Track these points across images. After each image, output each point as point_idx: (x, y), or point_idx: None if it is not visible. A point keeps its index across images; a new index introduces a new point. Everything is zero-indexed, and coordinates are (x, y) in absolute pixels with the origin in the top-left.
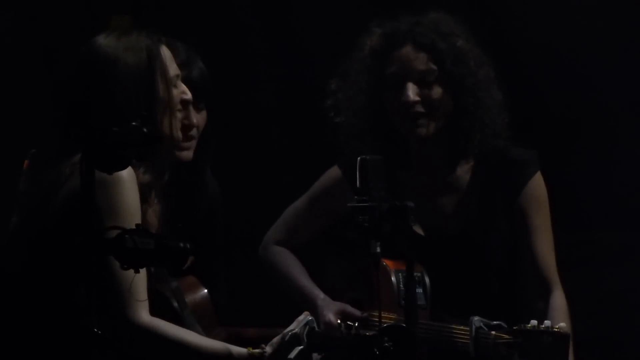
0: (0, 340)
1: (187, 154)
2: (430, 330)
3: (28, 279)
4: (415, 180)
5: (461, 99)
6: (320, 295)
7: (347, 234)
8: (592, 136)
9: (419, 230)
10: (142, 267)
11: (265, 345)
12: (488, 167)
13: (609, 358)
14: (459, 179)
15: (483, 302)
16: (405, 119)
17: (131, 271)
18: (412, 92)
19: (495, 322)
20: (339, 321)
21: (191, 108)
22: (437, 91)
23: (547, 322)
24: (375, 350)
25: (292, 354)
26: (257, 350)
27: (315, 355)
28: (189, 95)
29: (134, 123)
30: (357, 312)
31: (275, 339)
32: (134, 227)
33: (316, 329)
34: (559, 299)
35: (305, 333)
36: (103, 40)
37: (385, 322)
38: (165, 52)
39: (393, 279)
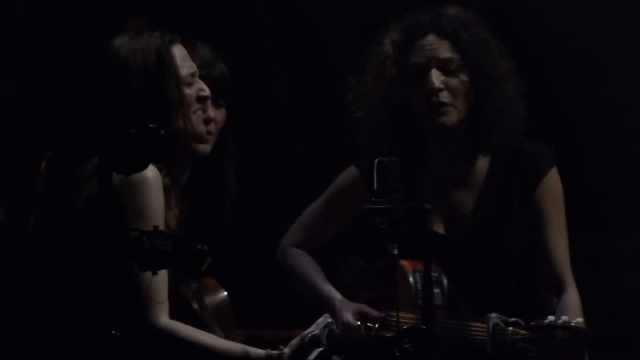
0: (20, 340)
1: (204, 147)
2: (448, 328)
3: (47, 280)
4: (433, 177)
5: (484, 89)
6: (337, 297)
7: (364, 235)
8: (608, 139)
9: (439, 228)
10: (159, 269)
11: (284, 347)
12: (505, 162)
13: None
14: (477, 174)
15: (502, 298)
16: (428, 108)
17: (152, 278)
18: (436, 79)
19: (512, 319)
20: (358, 322)
21: (209, 103)
22: (460, 80)
23: (564, 318)
24: (395, 351)
25: (312, 356)
26: (275, 352)
27: (334, 357)
28: (207, 92)
29: (151, 125)
30: (374, 313)
31: (294, 341)
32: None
33: (336, 331)
34: (572, 296)
35: (325, 335)
36: (115, 43)
37: (402, 322)
38: (178, 51)
39: (410, 279)
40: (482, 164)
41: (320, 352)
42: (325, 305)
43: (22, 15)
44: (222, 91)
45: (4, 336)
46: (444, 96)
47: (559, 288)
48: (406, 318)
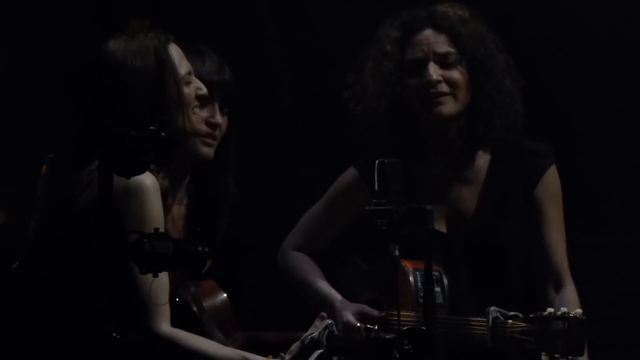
0: (21, 344)
1: (208, 151)
2: (448, 324)
3: (49, 283)
4: (434, 175)
5: (481, 82)
6: (338, 298)
7: (365, 236)
8: (608, 139)
9: (441, 227)
10: (160, 271)
11: (284, 354)
12: (505, 159)
13: None
14: (477, 172)
15: (503, 294)
16: (426, 100)
17: (153, 281)
18: (434, 71)
19: (511, 312)
20: (358, 323)
21: (217, 107)
22: (458, 72)
23: (563, 309)
24: (396, 353)
25: (312, 358)
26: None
27: (334, 359)
28: (204, 90)
29: (151, 127)
30: (375, 313)
31: (294, 346)
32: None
33: (336, 332)
34: (571, 292)
35: (324, 337)
36: (113, 45)
37: (403, 321)
38: (174, 50)
39: (411, 278)
40: (482, 161)
41: (320, 353)
42: (325, 307)
43: (22, 16)
44: (229, 98)
45: (5, 339)
46: (443, 88)
47: (557, 284)
48: (407, 317)
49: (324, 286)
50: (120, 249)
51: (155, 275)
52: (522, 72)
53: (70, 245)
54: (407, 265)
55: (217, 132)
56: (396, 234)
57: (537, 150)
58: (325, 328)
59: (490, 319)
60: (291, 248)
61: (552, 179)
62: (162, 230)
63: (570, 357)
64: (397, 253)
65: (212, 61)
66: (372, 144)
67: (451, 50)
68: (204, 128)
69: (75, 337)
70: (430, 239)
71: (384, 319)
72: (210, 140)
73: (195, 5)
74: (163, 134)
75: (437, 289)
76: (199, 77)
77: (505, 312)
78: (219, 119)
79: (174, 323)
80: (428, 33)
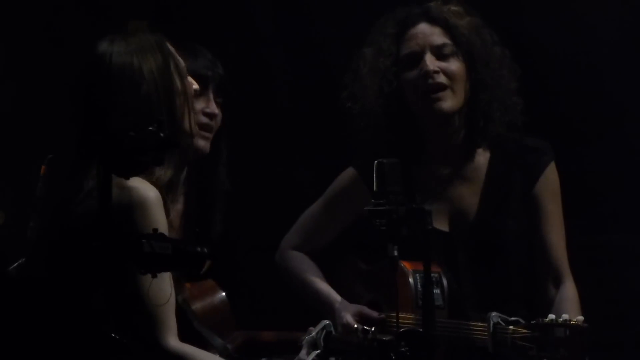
0: (19, 345)
1: (204, 144)
2: (448, 328)
3: (48, 285)
4: (434, 174)
5: (479, 73)
6: (337, 299)
7: (364, 236)
8: (609, 139)
9: (442, 225)
10: (159, 272)
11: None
12: (504, 157)
13: None
14: (476, 169)
15: (504, 292)
16: (425, 93)
17: (161, 297)
18: (430, 62)
19: (512, 318)
20: (355, 325)
21: (211, 97)
22: (454, 64)
23: (564, 316)
24: (392, 355)
25: (309, 358)
26: None
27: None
28: (196, 85)
29: (150, 128)
30: (374, 314)
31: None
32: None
33: (333, 333)
34: (570, 290)
35: (322, 337)
36: (115, 47)
37: (402, 323)
38: (170, 46)
39: (410, 280)
40: (482, 159)
41: (318, 354)
42: (324, 308)
43: (21, 15)
44: (223, 89)
45: (5, 341)
46: (440, 78)
47: (557, 281)
48: (406, 319)
49: (324, 287)
50: (119, 249)
51: (155, 276)
52: (522, 72)
53: (70, 248)
54: (407, 267)
55: (213, 123)
56: (395, 234)
57: (537, 148)
58: (322, 329)
59: (492, 324)
60: (290, 247)
61: (551, 176)
62: (157, 228)
63: None
64: (395, 253)
65: (204, 57)
66: (371, 143)
67: (447, 41)
68: (201, 118)
69: (75, 339)
70: (429, 239)
71: (383, 321)
72: (206, 133)
73: (194, 5)
74: (162, 134)
75: (437, 290)
76: (192, 72)
77: (506, 317)
78: (215, 108)
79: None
80: (423, 27)
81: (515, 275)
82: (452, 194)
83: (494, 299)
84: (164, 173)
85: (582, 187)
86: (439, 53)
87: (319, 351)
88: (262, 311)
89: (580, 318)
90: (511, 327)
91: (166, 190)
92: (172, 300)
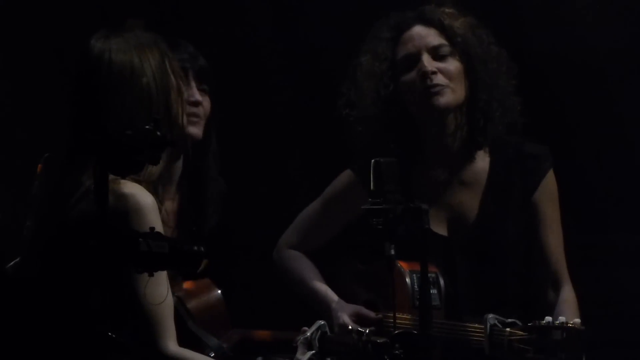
0: (16, 345)
1: (195, 131)
2: (445, 329)
3: (45, 284)
4: (434, 178)
5: (477, 72)
6: (334, 298)
7: (361, 236)
8: (608, 138)
9: (441, 230)
10: (156, 271)
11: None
12: (504, 162)
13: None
14: (476, 175)
15: (502, 296)
16: (423, 92)
17: (157, 296)
18: (428, 63)
19: (509, 320)
20: (349, 326)
21: (193, 85)
22: (452, 64)
23: (561, 318)
24: (386, 358)
25: (304, 358)
26: None
27: None
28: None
29: (147, 126)
30: (371, 314)
31: None
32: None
33: (328, 333)
34: (569, 293)
35: (317, 338)
36: (113, 44)
37: (399, 323)
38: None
39: (407, 280)
40: (482, 164)
41: (313, 354)
42: (321, 307)
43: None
44: (205, 78)
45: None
46: (438, 79)
47: (556, 285)
48: (403, 319)
49: (321, 286)
50: (116, 248)
51: (151, 275)
52: (522, 72)
53: (66, 247)
54: (404, 267)
55: (198, 110)
56: (392, 233)
57: (537, 154)
58: (317, 329)
59: (488, 326)
60: (287, 246)
61: (550, 182)
62: (153, 227)
63: None
64: (392, 252)
65: (186, 50)
66: (369, 147)
67: (443, 42)
68: (187, 108)
69: (71, 338)
70: (426, 238)
71: (380, 321)
72: (194, 119)
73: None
74: (158, 133)
75: (434, 290)
76: None
77: (503, 319)
78: (197, 95)
79: None
80: (418, 29)
81: (513, 280)
82: (452, 199)
83: (491, 304)
84: (155, 167)
85: (582, 187)
86: (436, 54)
87: (314, 351)
88: (258, 310)
89: (577, 321)
90: (508, 329)
91: (159, 184)
92: (170, 304)
